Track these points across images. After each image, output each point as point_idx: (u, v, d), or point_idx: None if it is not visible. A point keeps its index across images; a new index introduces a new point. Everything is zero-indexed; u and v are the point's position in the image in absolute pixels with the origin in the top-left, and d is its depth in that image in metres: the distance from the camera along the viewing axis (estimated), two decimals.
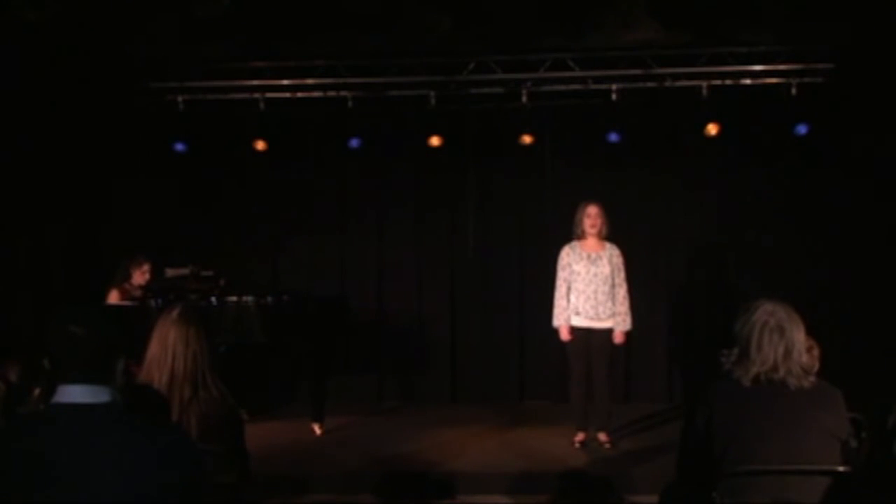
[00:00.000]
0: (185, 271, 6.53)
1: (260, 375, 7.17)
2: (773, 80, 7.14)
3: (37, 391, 3.07)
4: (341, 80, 7.29)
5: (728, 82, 7.19)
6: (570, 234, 6.09)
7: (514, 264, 7.87)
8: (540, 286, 6.78)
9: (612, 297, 5.95)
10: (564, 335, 5.99)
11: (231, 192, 7.91)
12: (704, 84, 7.11)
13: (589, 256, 5.97)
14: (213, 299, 6.27)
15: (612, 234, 6.08)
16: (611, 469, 5.53)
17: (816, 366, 3.26)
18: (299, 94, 7.43)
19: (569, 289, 5.99)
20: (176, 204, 7.81)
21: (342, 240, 7.98)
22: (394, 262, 7.94)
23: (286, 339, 6.32)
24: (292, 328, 6.30)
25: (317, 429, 6.43)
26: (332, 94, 7.41)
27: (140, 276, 6.63)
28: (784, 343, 2.84)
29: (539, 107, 7.38)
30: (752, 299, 2.99)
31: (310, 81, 7.30)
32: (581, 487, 5.32)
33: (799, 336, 2.87)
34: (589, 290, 5.92)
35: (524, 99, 7.30)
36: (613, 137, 7.34)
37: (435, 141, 7.51)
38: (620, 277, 6.00)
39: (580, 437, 6.03)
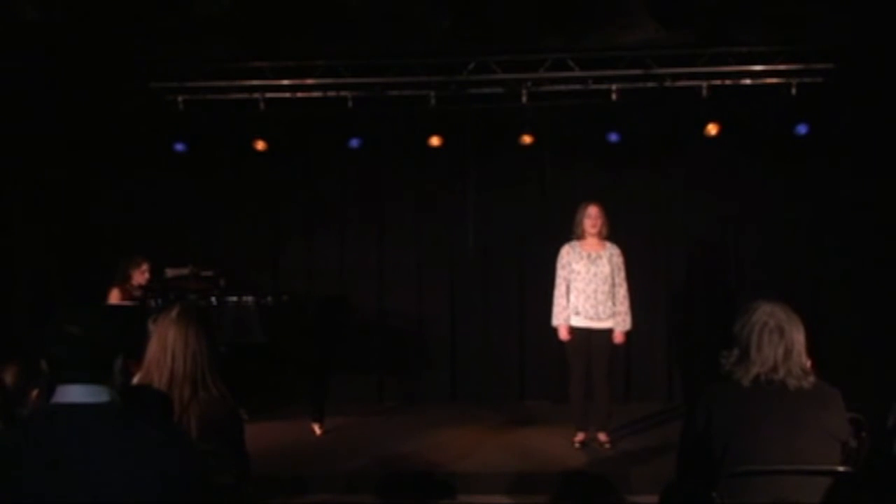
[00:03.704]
0: (185, 271, 6.54)
1: (260, 375, 7.17)
2: (773, 80, 7.14)
3: (34, 392, 3.07)
4: (341, 80, 7.29)
5: (728, 82, 7.18)
6: (570, 233, 6.08)
7: (514, 264, 7.87)
8: (540, 286, 6.78)
9: (612, 297, 5.95)
10: (563, 334, 5.98)
11: (231, 192, 7.91)
12: (704, 84, 7.11)
13: (589, 256, 5.97)
14: (213, 299, 6.27)
15: (611, 234, 6.08)
16: (611, 469, 5.53)
17: (808, 364, 3.25)
18: (299, 94, 7.42)
19: (568, 288, 5.99)
20: (176, 204, 7.81)
21: (342, 240, 7.98)
22: (394, 262, 7.94)
23: (286, 339, 6.32)
24: (292, 328, 6.30)
25: (317, 429, 6.43)
26: (332, 94, 7.41)
27: (140, 276, 6.63)
28: (784, 344, 2.84)
29: (539, 107, 7.37)
30: (751, 300, 2.99)
31: (310, 81, 7.30)
32: (581, 487, 5.32)
33: (798, 337, 2.87)
34: (589, 289, 5.92)
35: (524, 99, 7.29)
36: (613, 137, 7.35)
37: (435, 141, 7.51)
38: (620, 277, 6.00)
39: (580, 437, 6.03)
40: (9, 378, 3.07)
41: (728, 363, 2.93)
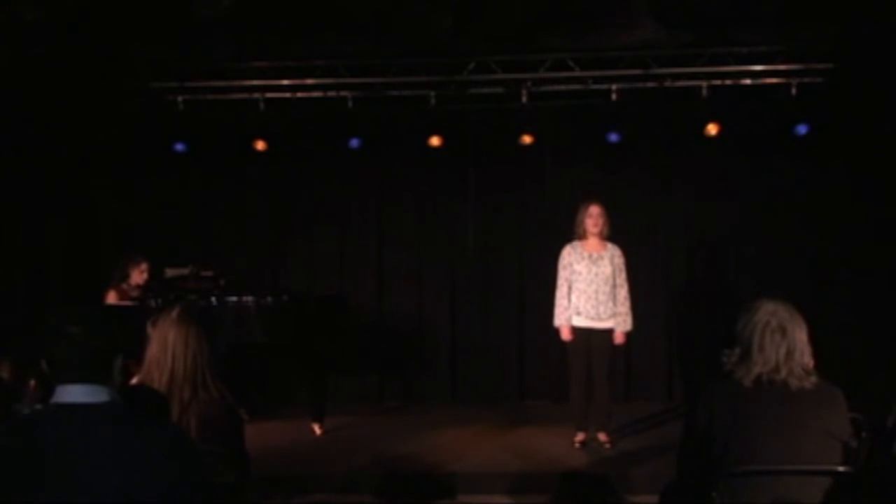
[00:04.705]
0: (185, 271, 6.53)
1: (260, 375, 7.17)
2: (773, 80, 7.14)
3: (32, 384, 3.08)
4: (341, 80, 7.29)
5: (728, 82, 7.19)
6: (570, 233, 6.08)
7: (514, 264, 7.87)
8: (540, 286, 6.79)
9: (613, 298, 5.94)
10: (565, 335, 5.98)
11: (231, 192, 7.91)
12: (704, 84, 7.11)
13: (590, 256, 5.97)
14: (213, 299, 6.26)
15: (611, 234, 6.08)
16: (611, 469, 5.53)
17: (811, 363, 3.26)
18: (299, 94, 7.43)
19: (570, 288, 5.99)
20: (176, 204, 7.81)
21: (342, 240, 7.98)
22: (394, 262, 7.94)
23: (286, 339, 6.31)
24: (292, 328, 6.30)
25: (317, 429, 6.42)
26: (332, 94, 7.41)
27: (138, 276, 6.63)
28: (786, 343, 2.84)
29: (539, 107, 7.37)
30: (752, 299, 2.98)
31: (310, 81, 7.30)
32: (581, 487, 5.32)
33: (801, 336, 2.87)
34: (590, 290, 5.92)
35: (524, 99, 7.30)
36: (613, 137, 7.35)
37: (435, 141, 7.51)
38: (622, 278, 5.99)
39: (580, 437, 6.03)
40: (5, 373, 3.07)
41: (730, 362, 2.92)
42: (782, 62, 7.05)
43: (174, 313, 3.06)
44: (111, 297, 6.53)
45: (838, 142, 7.19)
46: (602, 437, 6.03)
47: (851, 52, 6.72)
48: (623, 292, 5.98)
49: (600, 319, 5.92)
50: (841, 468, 2.77)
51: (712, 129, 7.22)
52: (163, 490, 1.96)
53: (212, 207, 7.87)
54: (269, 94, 7.37)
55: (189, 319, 3.04)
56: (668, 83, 7.21)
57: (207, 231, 7.79)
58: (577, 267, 5.97)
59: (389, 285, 7.95)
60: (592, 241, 6.00)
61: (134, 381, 3.07)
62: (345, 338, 6.98)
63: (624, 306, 5.96)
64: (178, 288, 6.45)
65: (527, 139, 7.40)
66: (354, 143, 7.56)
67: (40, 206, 7.29)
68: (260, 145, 7.52)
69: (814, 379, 2.85)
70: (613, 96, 7.21)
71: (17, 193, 7.04)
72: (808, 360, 2.90)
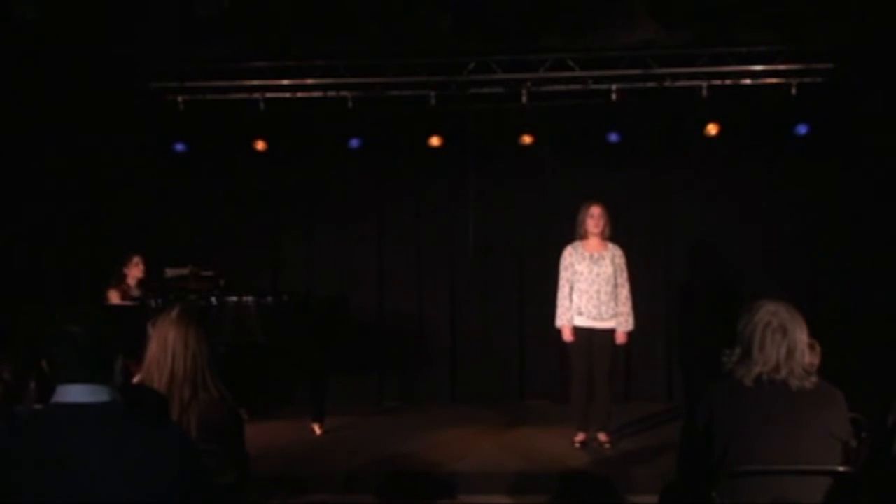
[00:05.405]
0: (185, 271, 6.54)
1: (260, 375, 7.17)
2: (773, 80, 7.15)
3: (32, 384, 3.07)
4: (341, 80, 7.30)
5: (728, 82, 7.19)
6: (570, 233, 6.08)
7: (514, 264, 7.87)
8: (540, 286, 6.79)
9: (615, 298, 5.95)
10: (567, 335, 5.98)
11: (231, 192, 7.91)
12: (704, 84, 7.12)
13: (591, 256, 5.97)
14: (213, 299, 6.27)
15: (612, 234, 6.08)
16: (611, 469, 5.53)
17: (818, 363, 3.26)
18: (299, 94, 7.43)
19: (571, 289, 5.99)
20: (176, 204, 7.81)
21: (342, 240, 7.98)
22: (394, 262, 7.94)
23: (286, 339, 6.32)
24: (292, 328, 6.30)
25: (317, 429, 6.42)
26: (332, 94, 7.42)
27: (135, 270, 6.65)
28: (786, 343, 2.84)
29: (539, 107, 7.38)
30: (753, 299, 2.98)
31: (310, 81, 7.30)
32: (581, 487, 5.32)
33: (801, 336, 2.87)
34: (591, 290, 5.92)
35: (524, 99, 7.30)
36: (613, 137, 7.36)
37: (435, 141, 7.52)
38: (623, 278, 5.99)
39: (580, 437, 6.03)
40: (5, 374, 3.07)
41: (730, 362, 2.92)
42: (782, 62, 7.05)
43: (174, 313, 3.06)
44: (112, 297, 6.55)
45: (838, 142, 7.19)
46: (602, 437, 6.03)
47: (851, 52, 6.72)
48: (624, 292, 5.98)
49: (602, 319, 5.92)
50: (841, 468, 2.78)
51: (712, 129, 7.23)
52: (163, 490, 1.96)
53: (212, 208, 7.87)
54: (269, 94, 7.38)
55: (189, 319, 3.04)
56: (668, 83, 7.21)
57: (207, 231, 7.79)
58: (578, 267, 5.97)
59: (389, 285, 7.95)
60: (593, 242, 6.00)
61: (134, 381, 3.07)
62: (345, 338, 6.98)
63: (625, 306, 5.96)
64: (178, 288, 6.46)
65: (527, 139, 7.41)
66: (354, 143, 7.57)
67: (39, 206, 7.29)
68: (260, 145, 7.53)
69: (814, 379, 2.85)
70: (613, 96, 7.21)
71: (17, 193, 7.03)
72: (812, 360, 2.90)
